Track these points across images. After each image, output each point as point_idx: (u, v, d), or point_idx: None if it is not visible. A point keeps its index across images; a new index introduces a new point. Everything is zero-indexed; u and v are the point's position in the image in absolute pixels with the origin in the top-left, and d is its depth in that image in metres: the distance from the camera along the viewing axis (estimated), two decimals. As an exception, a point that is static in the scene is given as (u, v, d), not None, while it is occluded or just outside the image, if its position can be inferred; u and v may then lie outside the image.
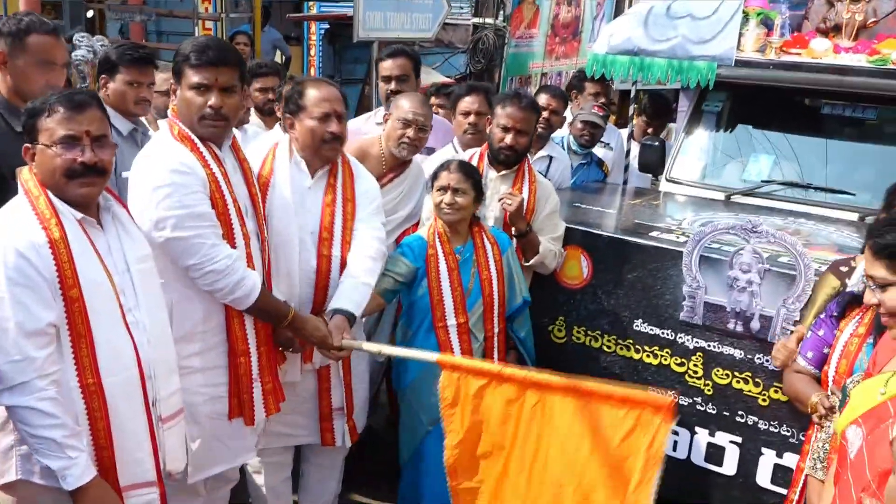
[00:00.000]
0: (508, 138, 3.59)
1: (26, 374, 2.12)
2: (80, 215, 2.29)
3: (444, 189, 3.31)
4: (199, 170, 2.67)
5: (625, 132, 5.54)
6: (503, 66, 7.67)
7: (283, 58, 10.39)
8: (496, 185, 3.66)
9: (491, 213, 3.63)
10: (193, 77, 2.69)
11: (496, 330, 3.42)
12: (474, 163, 3.61)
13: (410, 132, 3.61)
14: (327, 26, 11.12)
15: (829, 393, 2.55)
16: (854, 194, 4.13)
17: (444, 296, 3.31)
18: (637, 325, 3.56)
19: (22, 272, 2.14)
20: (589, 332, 3.70)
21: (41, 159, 2.26)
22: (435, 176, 3.37)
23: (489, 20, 7.64)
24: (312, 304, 3.09)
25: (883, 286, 2.27)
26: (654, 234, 3.64)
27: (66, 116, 2.24)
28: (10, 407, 2.15)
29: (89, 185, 2.29)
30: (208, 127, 2.72)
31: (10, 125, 2.81)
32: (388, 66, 4.39)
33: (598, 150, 5.17)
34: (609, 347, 3.66)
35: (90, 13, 9.12)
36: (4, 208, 2.28)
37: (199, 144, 2.71)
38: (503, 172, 3.68)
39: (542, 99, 4.55)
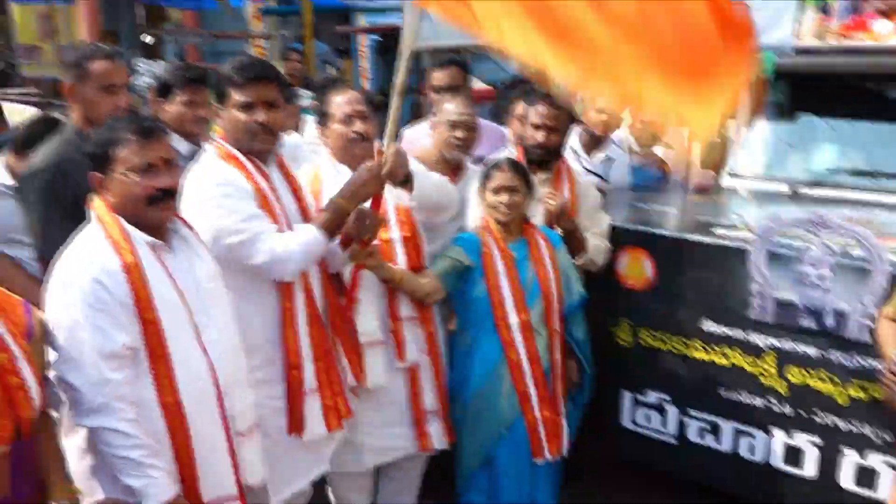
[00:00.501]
0: (539, 136, 3.57)
1: (105, 396, 2.18)
2: (150, 239, 2.35)
3: (499, 189, 3.29)
4: (245, 183, 2.73)
5: (685, 129, 5.43)
6: (554, 68, 7.58)
7: (336, 71, 10.51)
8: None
9: (533, 218, 3.60)
10: (238, 96, 2.74)
11: (557, 327, 3.37)
12: None
13: (459, 132, 3.62)
14: (378, 38, 11.20)
15: None
16: (927, 180, 3.98)
17: (504, 293, 3.27)
18: (706, 326, 3.48)
19: (98, 297, 2.21)
20: (656, 335, 3.64)
21: (118, 188, 2.32)
22: (487, 176, 3.35)
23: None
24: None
25: None
26: (718, 231, 3.56)
27: (141, 146, 2.31)
28: (92, 428, 2.21)
29: (167, 208, 2.38)
30: (258, 143, 2.77)
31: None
32: (439, 77, 4.41)
33: (658, 149, 5.08)
34: (678, 349, 3.59)
35: (148, 38, 9.38)
36: (79, 237, 2.35)
37: (245, 161, 2.76)
38: (541, 176, 3.62)
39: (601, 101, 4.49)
